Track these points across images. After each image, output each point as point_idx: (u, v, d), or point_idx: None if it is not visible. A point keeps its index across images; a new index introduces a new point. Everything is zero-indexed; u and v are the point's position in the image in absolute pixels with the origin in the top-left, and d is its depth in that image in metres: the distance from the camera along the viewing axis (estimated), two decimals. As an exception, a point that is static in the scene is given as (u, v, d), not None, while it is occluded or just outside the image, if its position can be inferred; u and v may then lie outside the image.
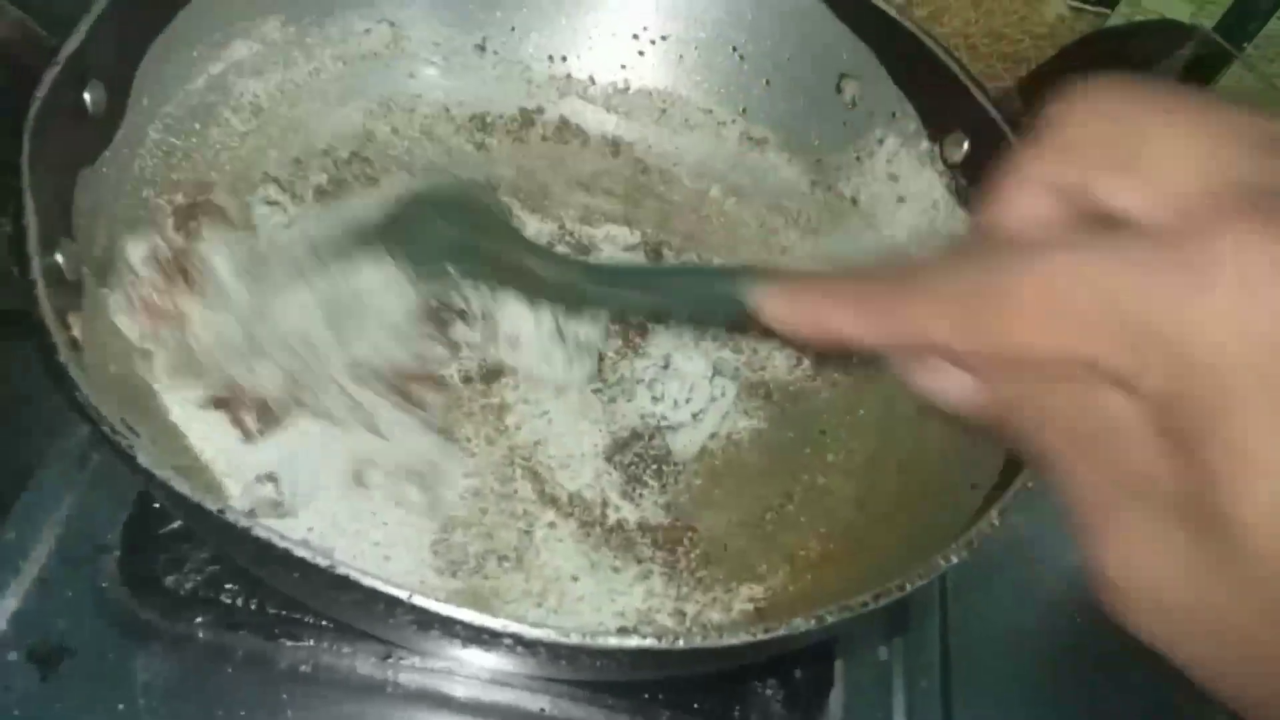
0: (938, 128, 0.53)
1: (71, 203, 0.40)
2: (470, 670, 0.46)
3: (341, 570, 0.30)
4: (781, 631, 0.31)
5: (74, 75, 0.40)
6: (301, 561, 0.30)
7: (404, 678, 0.46)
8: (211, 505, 0.31)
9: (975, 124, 0.50)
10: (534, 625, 0.29)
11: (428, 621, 0.30)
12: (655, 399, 0.51)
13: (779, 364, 0.53)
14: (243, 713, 0.45)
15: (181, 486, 0.31)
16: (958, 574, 0.36)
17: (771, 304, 0.29)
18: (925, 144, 0.53)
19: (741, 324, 0.42)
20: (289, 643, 0.46)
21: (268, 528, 0.31)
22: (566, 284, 0.40)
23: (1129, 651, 0.53)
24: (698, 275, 0.43)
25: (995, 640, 0.54)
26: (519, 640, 0.30)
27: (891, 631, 0.51)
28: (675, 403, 0.51)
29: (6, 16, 0.42)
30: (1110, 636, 0.54)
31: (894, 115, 0.54)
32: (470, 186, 0.53)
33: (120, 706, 0.44)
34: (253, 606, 0.46)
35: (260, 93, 0.52)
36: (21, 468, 0.50)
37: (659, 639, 0.30)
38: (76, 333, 0.37)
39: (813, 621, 0.31)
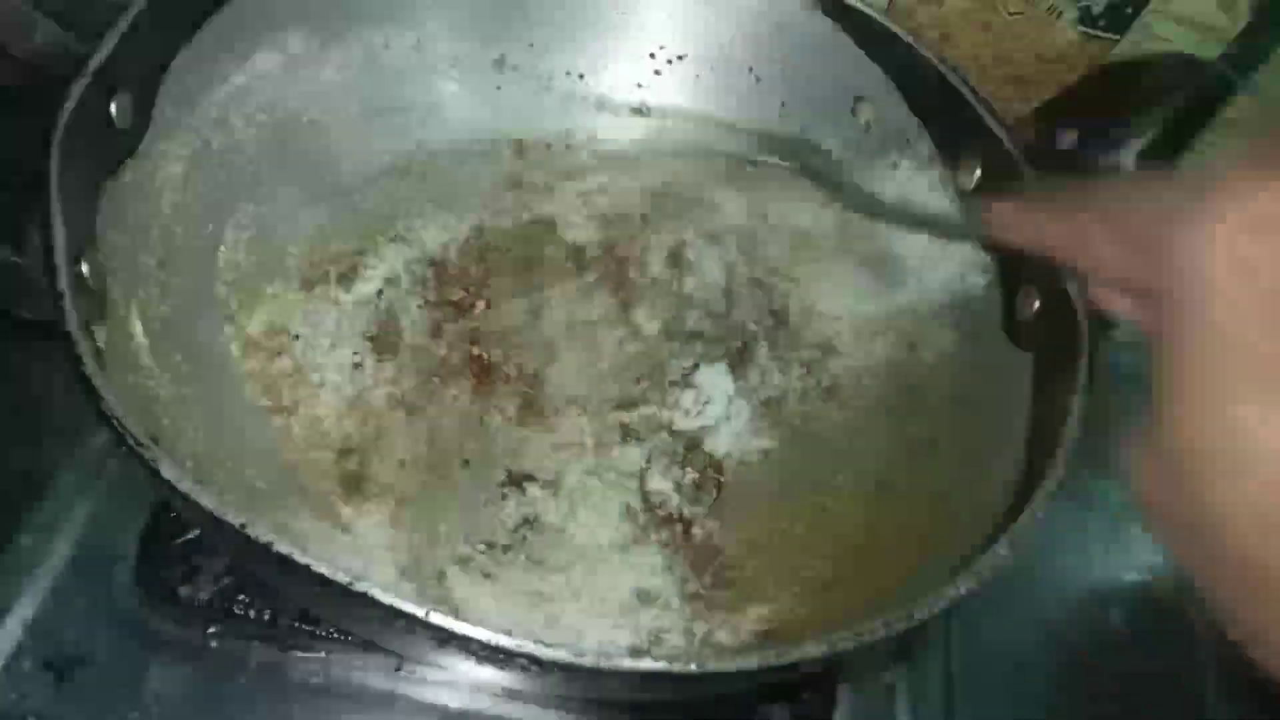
0: (951, 154, 0.53)
1: (96, 213, 0.40)
2: (482, 684, 0.46)
3: (360, 587, 0.30)
4: (794, 656, 0.31)
5: (102, 86, 0.41)
6: (321, 577, 0.31)
7: (415, 690, 0.47)
8: (234, 520, 0.31)
9: (988, 152, 0.51)
10: (549, 646, 0.30)
11: (444, 638, 0.31)
12: (668, 404, 0.51)
13: (794, 385, 0.53)
14: (254, 723, 0.45)
15: (205, 500, 0.31)
16: (963, 600, 0.36)
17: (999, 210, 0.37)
18: (938, 169, 0.54)
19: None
20: (301, 654, 0.47)
21: (289, 543, 0.31)
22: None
23: (1131, 681, 0.54)
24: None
25: (999, 667, 0.54)
26: (533, 660, 0.30)
27: (897, 656, 0.52)
28: (686, 412, 0.51)
29: (38, 27, 0.43)
30: (1112, 666, 0.55)
31: (908, 140, 0.55)
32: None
33: (133, 715, 0.45)
34: (265, 618, 0.47)
35: (279, 107, 0.53)
36: (38, 476, 0.51)
37: (671, 662, 0.30)
38: (100, 343, 0.37)
39: (825, 647, 0.32)
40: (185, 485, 0.32)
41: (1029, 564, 0.53)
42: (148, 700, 0.45)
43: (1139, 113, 0.55)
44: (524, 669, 0.31)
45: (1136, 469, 0.26)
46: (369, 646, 0.46)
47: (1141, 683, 0.55)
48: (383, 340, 0.50)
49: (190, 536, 0.47)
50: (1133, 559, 0.59)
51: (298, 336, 0.49)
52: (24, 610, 0.46)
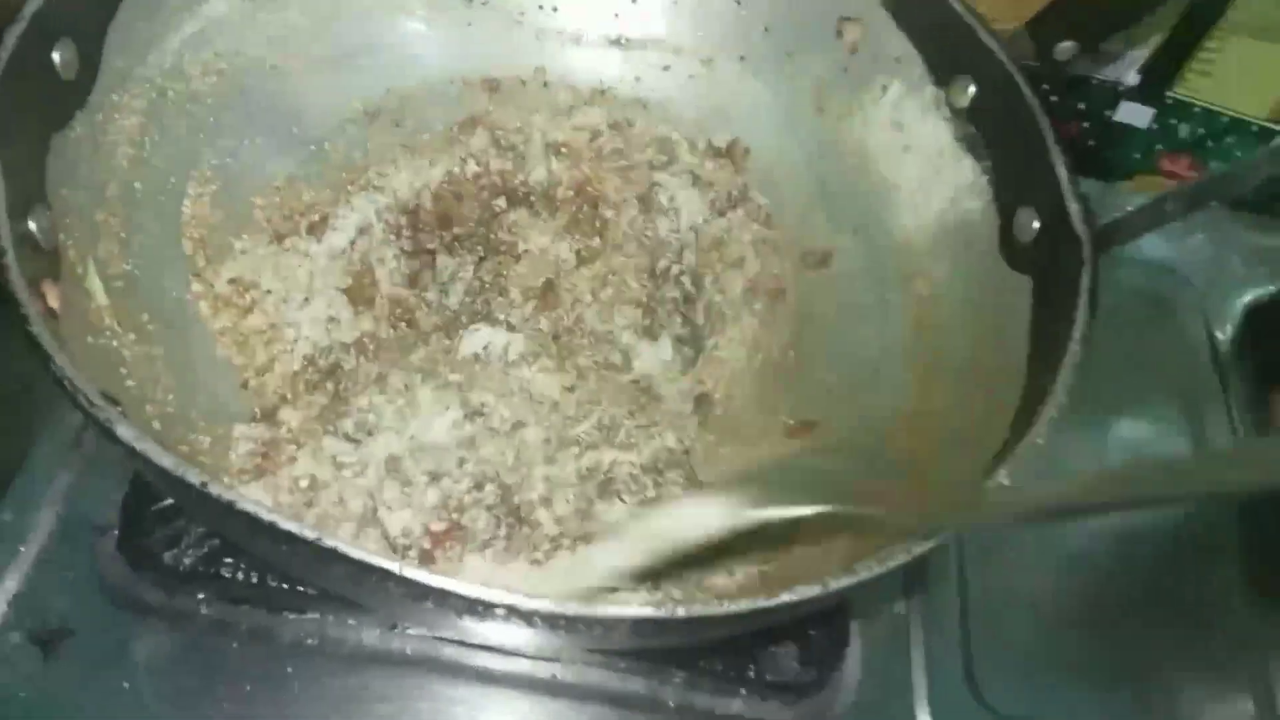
0: (943, 73, 0.51)
1: (45, 169, 0.39)
2: (476, 639, 0.45)
3: (329, 543, 0.29)
4: (786, 598, 0.30)
5: (41, 34, 0.39)
6: (288, 534, 0.29)
7: (411, 648, 0.46)
8: (194, 479, 0.30)
9: (982, 68, 0.48)
10: (529, 596, 0.28)
11: (420, 594, 0.29)
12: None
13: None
14: (247, 687, 0.44)
15: (162, 459, 0.30)
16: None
17: None
18: (930, 90, 0.51)
19: None
20: (292, 615, 0.46)
21: (255, 501, 0.30)
22: None
23: (1146, 607, 0.53)
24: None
25: (1017, 597, 0.53)
26: (514, 611, 0.29)
27: (908, 589, 0.50)
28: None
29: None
30: (1127, 592, 0.53)
31: (897, 60, 0.52)
32: None
33: (124, 685, 0.44)
34: (254, 580, 0.45)
35: (239, 54, 0.50)
36: (17, 449, 0.49)
37: (658, 607, 0.29)
38: (54, 302, 0.36)
39: (818, 588, 0.30)
40: (142, 445, 0.30)
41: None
42: (138, 669, 0.44)
43: (1137, 19, 0.52)
44: (506, 620, 0.30)
45: None
46: (362, 606, 0.45)
47: (1167, 608, 0.54)
48: (357, 292, 0.48)
49: (172, 502, 0.46)
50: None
51: (269, 291, 0.47)
52: (9, 584, 0.45)
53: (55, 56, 0.40)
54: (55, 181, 0.39)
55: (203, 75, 0.49)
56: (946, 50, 0.50)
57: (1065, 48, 0.48)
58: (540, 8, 0.57)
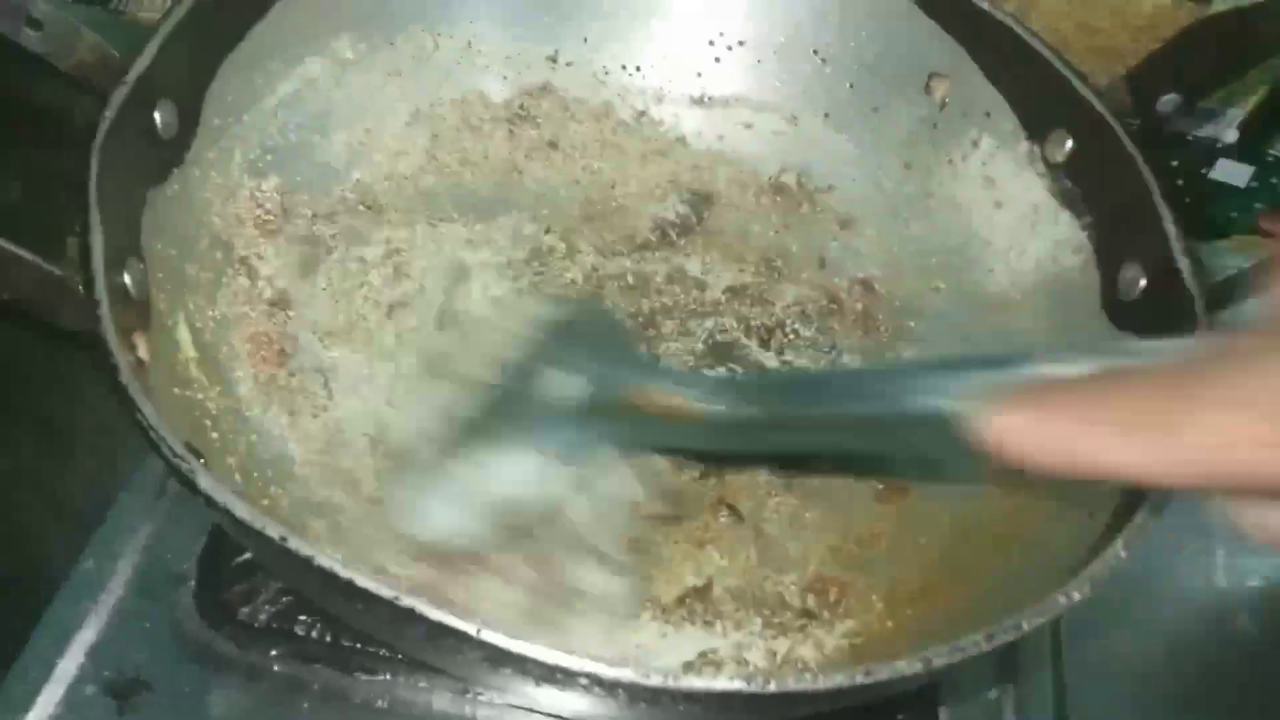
0: (1037, 126, 0.49)
1: (140, 223, 0.39)
2: (550, 708, 0.44)
3: (406, 602, 0.28)
4: (884, 675, 0.28)
5: (143, 96, 0.40)
6: (365, 592, 0.29)
7: (482, 714, 0.44)
8: (273, 532, 0.29)
9: (1079, 121, 0.47)
10: (612, 665, 0.27)
11: (499, 658, 0.28)
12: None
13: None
14: (318, 748, 0.44)
15: (242, 511, 0.30)
16: (1072, 609, 0.32)
17: (1010, 434, 0.22)
18: (1024, 144, 0.50)
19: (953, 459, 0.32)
20: (364, 677, 0.45)
21: (332, 557, 0.29)
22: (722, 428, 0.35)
23: (1252, 689, 0.49)
24: (894, 385, 0.30)
25: (1115, 680, 0.49)
26: (596, 681, 0.27)
27: (1001, 674, 0.47)
28: None
29: (83, 41, 0.42)
30: (1240, 675, 0.49)
31: (988, 115, 0.51)
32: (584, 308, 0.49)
33: (195, 740, 0.43)
34: (328, 639, 0.45)
35: (334, 112, 0.52)
36: (102, 497, 0.50)
37: (747, 681, 0.27)
38: (143, 353, 0.36)
39: (919, 664, 0.28)
40: (221, 497, 0.30)
41: (1145, 568, 0.49)
42: (210, 725, 0.44)
43: (1246, 69, 0.50)
44: (587, 691, 0.28)
45: None
46: (435, 669, 0.44)
47: (1273, 690, 0.50)
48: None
49: (249, 556, 0.46)
50: (1259, 562, 0.54)
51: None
52: (87, 635, 0.45)
53: (156, 117, 0.41)
54: (150, 235, 0.40)
55: (296, 134, 0.50)
56: (1041, 104, 0.49)
57: (1168, 100, 0.46)
58: (623, 68, 0.57)
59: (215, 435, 0.40)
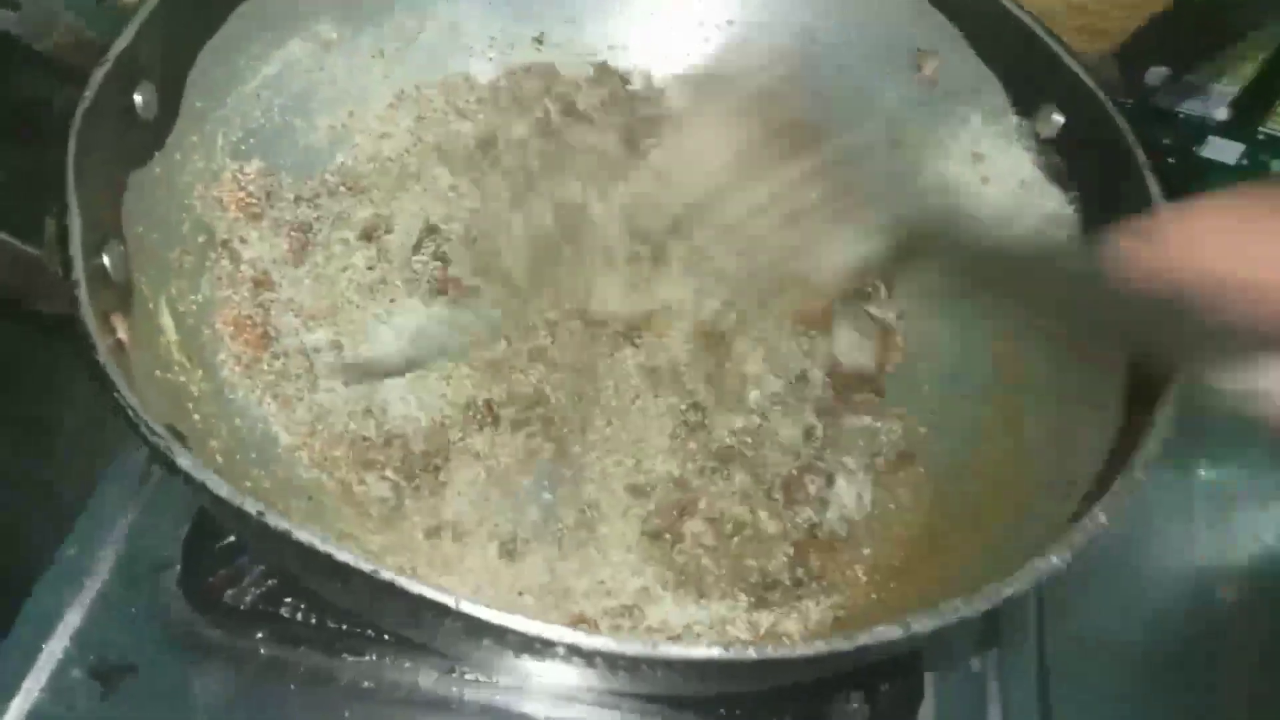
0: (1027, 102, 0.49)
1: (121, 205, 0.39)
2: (536, 684, 0.44)
3: (385, 576, 0.28)
4: (864, 640, 0.28)
5: (123, 76, 0.39)
6: (344, 566, 0.28)
7: (468, 693, 0.44)
8: (251, 508, 0.29)
9: (1069, 95, 0.46)
10: (590, 635, 0.27)
11: (477, 630, 0.28)
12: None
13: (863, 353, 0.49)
14: (304, 729, 0.43)
15: (220, 488, 0.29)
16: (1054, 580, 0.32)
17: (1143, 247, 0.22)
18: (1013, 119, 0.49)
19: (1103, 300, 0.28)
20: (350, 658, 0.45)
21: (310, 531, 0.29)
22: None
23: (1230, 659, 0.49)
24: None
25: (1098, 651, 0.49)
26: (575, 650, 0.27)
27: (984, 643, 0.47)
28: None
29: (60, 22, 0.42)
30: (1221, 647, 0.49)
31: (977, 91, 0.51)
32: None
33: (182, 723, 0.43)
34: (313, 621, 0.45)
35: (316, 94, 0.51)
36: (85, 484, 0.50)
37: (726, 648, 0.27)
38: (122, 335, 0.36)
39: (898, 629, 0.28)
40: (200, 475, 0.30)
41: (1127, 538, 0.49)
42: (196, 707, 0.43)
43: (1234, 40, 0.49)
44: (567, 661, 0.28)
45: None
46: (420, 649, 0.44)
47: (1251, 659, 0.50)
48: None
49: (234, 540, 0.46)
50: (1240, 535, 0.54)
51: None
52: (72, 619, 0.45)
53: (137, 98, 0.41)
54: (131, 218, 0.40)
55: (279, 116, 0.49)
56: (1030, 79, 0.48)
57: (1157, 73, 0.46)
58: (610, 47, 0.57)
59: (198, 418, 0.40)
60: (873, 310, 0.52)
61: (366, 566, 0.28)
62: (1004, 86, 0.50)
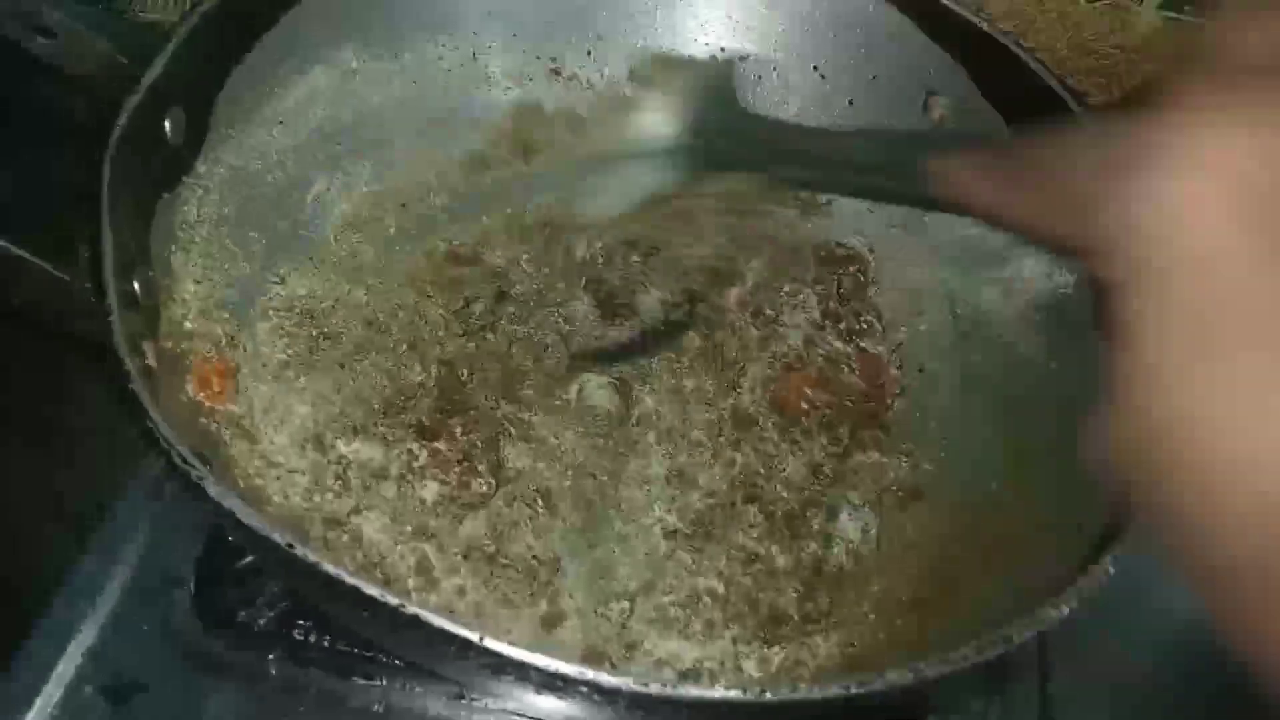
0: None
1: (149, 230, 0.40)
2: (545, 713, 0.44)
3: (411, 610, 0.29)
4: (876, 685, 0.28)
5: (155, 102, 0.40)
6: (370, 599, 0.29)
7: (477, 719, 0.45)
8: (280, 539, 0.30)
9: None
10: (611, 673, 0.27)
11: (500, 665, 0.29)
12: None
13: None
14: (313, 752, 0.44)
15: (249, 518, 0.30)
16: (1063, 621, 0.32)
17: (954, 175, 0.25)
18: (1019, 163, 0.50)
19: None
20: (361, 681, 0.45)
21: (338, 564, 0.30)
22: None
23: (1238, 701, 0.49)
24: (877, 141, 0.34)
25: (1102, 693, 0.50)
26: (596, 688, 0.28)
27: (988, 684, 0.48)
28: None
29: (94, 50, 0.43)
30: (1216, 686, 0.50)
31: (986, 136, 0.52)
32: None
33: (192, 742, 0.44)
34: (325, 643, 0.45)
35: (337, 121, 0.52)
36: (100, 500, 0.50)
37: (744, 690, 0.28)
38: (151, 360, 0.36)
39: (910, 675, 0.29)
40: (230, 503, 0.30)
41: (1133, 582, 0.49)
42: (206, 727, 0.44)
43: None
44: (587, 698, 0.29)
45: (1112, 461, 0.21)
46: (430, 674, 0.44)
47: (1262, 706, 0.50)
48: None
49: (248, 560, 0.46)
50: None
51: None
52: (85, 637, 0.46)
53: (166, 124, 0.41)
54: (159, 242, 0.40)
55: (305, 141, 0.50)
56: (1037, 123, 0.49)
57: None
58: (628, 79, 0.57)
59: (222, 441, 0.40)
60: (864, 345, 0.53)
61: (393, 600, 0.29)
62: (1012, 130, 0.51)
